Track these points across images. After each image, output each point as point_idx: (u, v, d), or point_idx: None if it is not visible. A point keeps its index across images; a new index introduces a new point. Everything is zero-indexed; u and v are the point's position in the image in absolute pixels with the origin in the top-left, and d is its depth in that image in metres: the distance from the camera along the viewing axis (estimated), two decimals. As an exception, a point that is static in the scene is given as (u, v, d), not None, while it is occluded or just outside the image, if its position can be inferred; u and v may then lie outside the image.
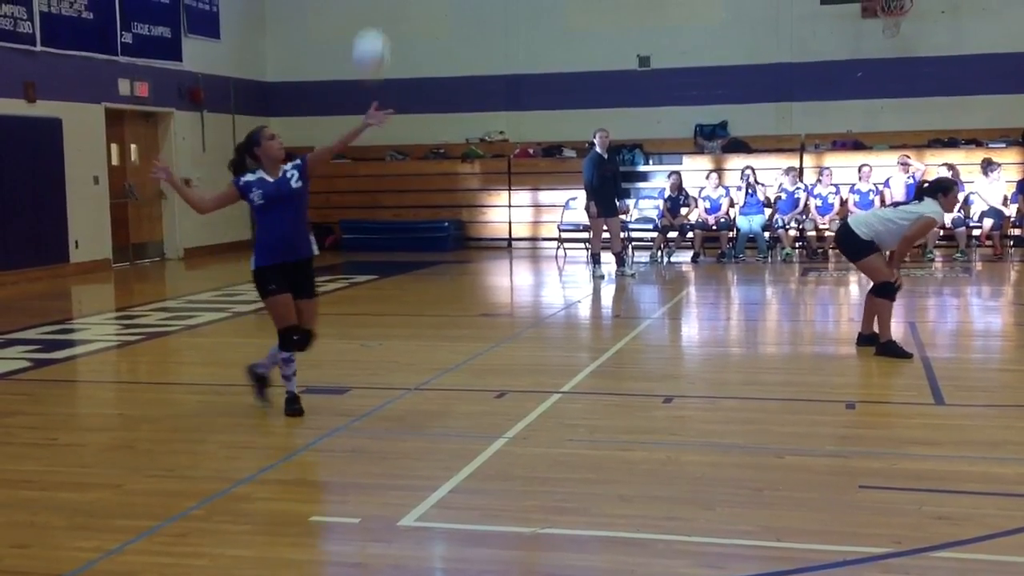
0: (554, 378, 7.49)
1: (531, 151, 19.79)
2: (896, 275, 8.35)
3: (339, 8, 20.04)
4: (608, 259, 14.64)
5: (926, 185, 8.52)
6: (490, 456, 5.60)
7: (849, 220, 8.76)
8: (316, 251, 7.46)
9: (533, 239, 19.48)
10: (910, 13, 17.54)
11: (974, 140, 17.90)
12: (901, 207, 8.56)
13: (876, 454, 5.55)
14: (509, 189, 19.59)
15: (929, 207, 8.17)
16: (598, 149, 14.50)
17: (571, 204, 18.17)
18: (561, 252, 17.70)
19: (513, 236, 19.60)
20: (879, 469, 5.28)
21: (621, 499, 4.86)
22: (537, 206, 19.53)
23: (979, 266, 15.10)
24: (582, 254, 17.46)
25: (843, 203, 16.81)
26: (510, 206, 19.61)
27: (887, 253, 8.35)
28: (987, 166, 16.24)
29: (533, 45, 20.01)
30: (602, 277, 14.13)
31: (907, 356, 8.05)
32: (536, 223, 19.52)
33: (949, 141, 18.08)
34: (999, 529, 4.33)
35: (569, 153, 19.51)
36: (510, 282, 15.83)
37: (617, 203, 14.81)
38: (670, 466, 5.40)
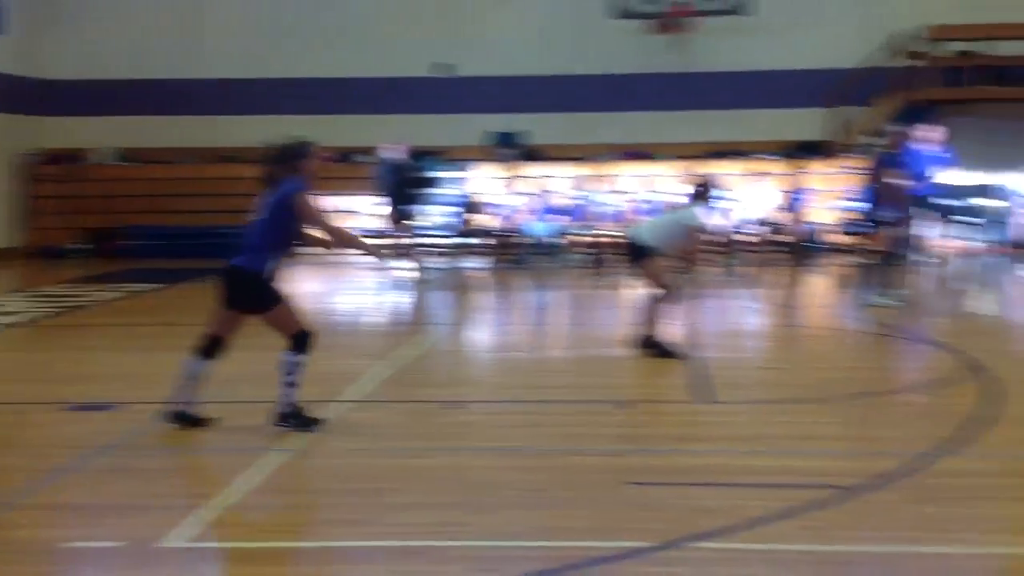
0: (339, 387, 7.46)
1: (329, 156, 19.62)
2: (681, 284, 8.75)
3: (133, 6, 19.43)
4: (403, 265, 14.71)
5: (694, 191, 8.93)
6: (267, 470, 5.53)
7: (634, 229, 9.14)
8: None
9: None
10: (695, 30, 18.37)
11: (749, 152, 18.90)
12: (674, 213, 8.97)
13: (646, 451, 5.84)
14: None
15: (690, 214, 8.64)
16: (396, 155, 14.54)
17: (365, 210, 18.09)
18: (357, 258, 17.62)
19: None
20: (648, 466, 5.56)
21: (401, 508, 4.93)
22: (335, 212, 19.36)
23: (751, 271, 15.93)
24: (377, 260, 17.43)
25: (630, 212, 17.43)
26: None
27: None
28: (759, 177, 17.18)
29: (336, 50, 19.90)
30: (404, 284, 14.18)
31: (679, 357, 8.45)
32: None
33: (729, 153, 19.03)
34: (756, 519, 4.63)
35: (367, 159, 19.45)
36: (301, 289, 15.62)
37: (414, 209, 14.91)
38: (452, 472, 5.52)
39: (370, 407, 7.11)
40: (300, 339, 6.16)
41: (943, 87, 18.13)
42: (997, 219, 17.69)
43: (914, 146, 15.29)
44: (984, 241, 17.94)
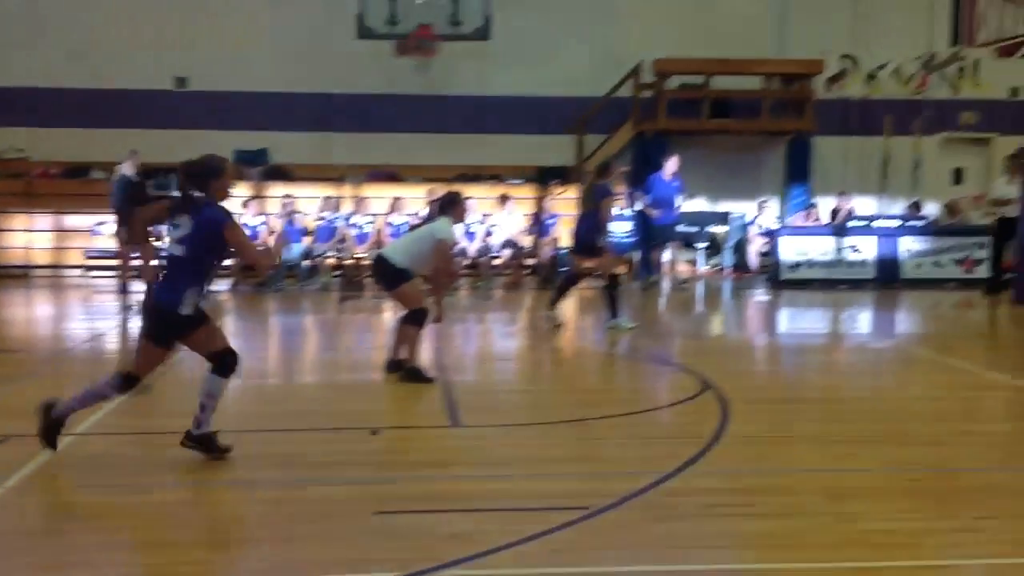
0: (71, 419, 7.02)
1: (53, 171, 18.56)
2: (437, 310, 8.69)
3: None
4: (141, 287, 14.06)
5: (440, 203, 8.91)
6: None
7: (383, 251, 9.04)
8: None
9: (55, 266, 18.26)
10: (440, 54, 18.57)
11: (496, 176, 19.30)
12: (419, 229, 8.92)
13: (395, 479, 5.79)
14: (28, 212, 18.23)
15: (439, 226, 8.62)
16: (127, 172, 13.89)
17: (98, 229, 17.27)
18: (88, 281, 16.74)
19: (32, 263, 18.24)
20: (396, 493, 5.50)
21: (132, 546, 4.67)
22: (61, 230, 18.34)
23: (499, 293, 16.25)
24: (110, 282, 16.65)
25: (378, 233, 17.40)
26: (28, 230, 18.24)
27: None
28: (504, 200, 17.55)
29: (68, 60, 18.87)
30: (129, 307, 13.52)
31: (429, 380, 8.47)
32: (60, 249, 18.33)
33: (475, 176, 19.35)
34: (499, 544, 4.66)
35: (98, 175, 18.54)
36: (26, 314, 14.68)
37: (151, 229, 14.25)
38: (191, 507, 5.29)
39: (102, 440, 6.71)
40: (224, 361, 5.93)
41: (673, 118, 19.14)
42: (726, 245, 18.83)
43: (657, 175, 16.22)
44: (715, 266, 19.06)
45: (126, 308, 13.53)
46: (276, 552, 4.63)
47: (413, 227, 9.05)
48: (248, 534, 4.85)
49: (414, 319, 8.59)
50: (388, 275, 8.63)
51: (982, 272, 16.99)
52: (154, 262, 13.81)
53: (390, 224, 17.40)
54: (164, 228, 6.04)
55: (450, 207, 8.77)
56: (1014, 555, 4.65)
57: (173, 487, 5.63)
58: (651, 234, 16.80)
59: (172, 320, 5.86)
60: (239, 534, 4.85)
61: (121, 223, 13.75)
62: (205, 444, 6.04)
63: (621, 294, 11.84)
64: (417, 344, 8.68)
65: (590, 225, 11.58)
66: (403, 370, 8.55)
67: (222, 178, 6.04)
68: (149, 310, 6.06)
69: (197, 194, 5.99)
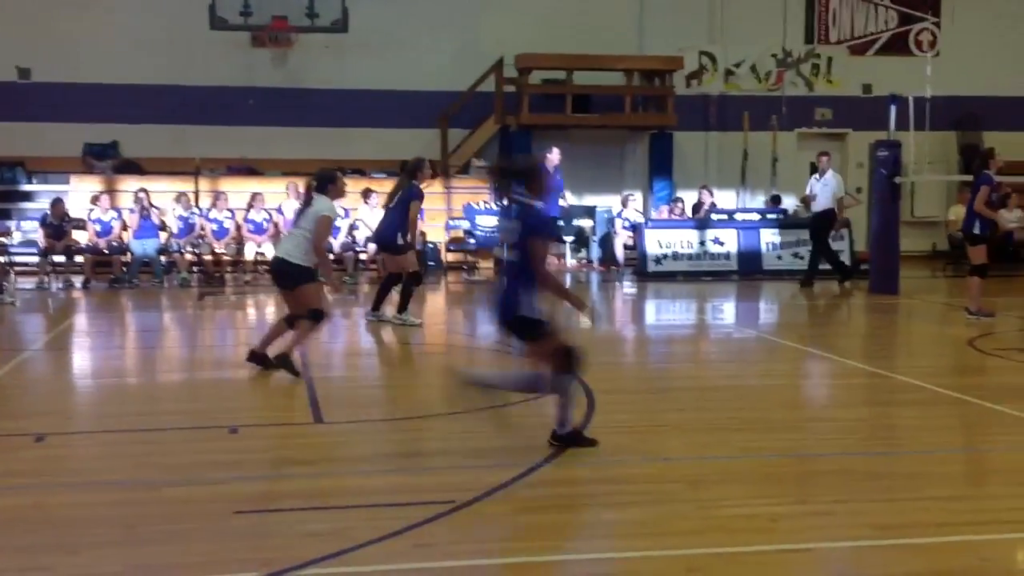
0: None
1: None
2: (337, 285, 8.79)
3: None
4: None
5: (313, 184, 8.72)
6: None
7: (279, 252, 8.78)
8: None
9: None
10: (296, 46, 18.23)
11: (359, 170, 19.03)
12: (301, 218, 8.68)
13: (255, 478, 5.63)
14: None
15: (319, 204, 8.48)
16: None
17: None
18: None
19: None
20: (257, 492, 5.35)
21: (-28, 553, 4.42)
22: None
23: (365, 288, 16.04)
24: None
25: (238, 228, 17.00)
26: None
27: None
28: (368, 195, 17.33)
29: None
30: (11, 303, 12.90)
31: (296, 375, 8.30)
32: None
33: (337, 170, 19.00)
34: (362, 540, 4.57)
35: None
36: None
37: None
38: (34, 511, 5.02)
39: (-60, 444, 6.35)
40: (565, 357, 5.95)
41: (536, 113, 19.22)
42: (593, 239, 19.01)
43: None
44: (582, 259, 19.23)
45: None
46: (131, 554, 4.44)
47: (297, 214, 8.80)
48: (101, 537, 4.64)
49: (316, 317, 8.46)
50: (289, 276, 8.46)
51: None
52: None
53: (250, 222, 17.02)
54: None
55: (328, 184, 8.64)
56: (870, 537, 4.77)
57: (18, 489, 5.36)
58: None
59: (530, 324, 5.91)
60: (91, 537, 4.63)
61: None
62: (575, 440, 6.05)
63: (414, 292, 11.62)
64: (305, 341, 8.55)
65: (393, 223, 11.35)
66: (277, 357, 8.39)
67: (539, 177, 6.05)
68: (507, 322, 6.03)
69: (520, 195, 5.92)
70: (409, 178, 11.43)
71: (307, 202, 8.61)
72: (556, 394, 6.05)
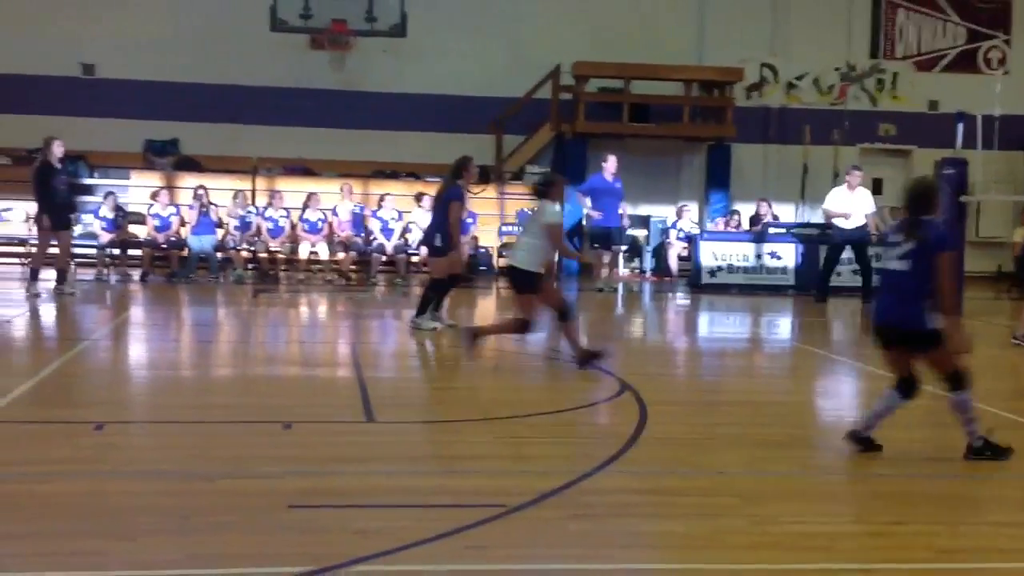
0: (-31, 407, 6.76)
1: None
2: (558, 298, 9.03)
3: None
4: (48, 275, 13.61)
5: (537, 188, 9.08)
6: None
7: (512, 261, 9.05)
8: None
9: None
10: (354, 49, 18.35)
11: (412, 173, 19.12)
12: (528, 224, 9.02)
13: (307, 473, 5.63)
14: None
15: (546, 210, 8.76)
16: (51, 158, 13.39)
17: (3, 215, 16.75)
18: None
19: (-67, 249, 17.62)
20: (309, 488, 5.35)
21: (32, 535, 4.45)
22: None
23: (416, 290, 16.07)
24: (15, 269, 16.14)
25: (293, 227, 17.14)
26: (-75, 217, 17.60)
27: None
28: (421, 198, 17.36)
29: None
30: (38, 295, 13.08)
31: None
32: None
33: (391, 172, 19.18)
34: (409, 541, 4.54)
35: (3, 160, 17.98)
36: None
37: (71, 216, 13.87)
38: (92, 497, 5.06)
39: (3, 428, 6.43)
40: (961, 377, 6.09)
41: (592, 121, 19.17)
42: (646, 249, 18.93)
43: (598, 176, 16.05)
44: (635, 269, 19.14)
45: (34, 295, 13.03)
46: (186, 543, 4.46)
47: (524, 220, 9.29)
48: (156, 525, 4.66)
49: (521, 328, 8.86)
50: (521, 282, 8.81)
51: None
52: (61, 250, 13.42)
53: (305, 221, 17.13)
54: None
55: (550, 189, 8.90)
56: (931, 560, 4.66)
57: (77, 476, 5.41)
58: (592, 237, 16.48)
59: (930, 337, 6.00)
60: (147, 525, 4.66)
61: (42, 210, 13.24)
62: (995, 452, 6.18)
63: (444, 297, 11.42)
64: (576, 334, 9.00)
65: (434, 224, 11.31)
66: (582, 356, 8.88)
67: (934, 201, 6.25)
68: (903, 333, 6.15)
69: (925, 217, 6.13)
70: (453, 178, 11.17)
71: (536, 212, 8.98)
72: (958, 412, 6.15)
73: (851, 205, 15.63)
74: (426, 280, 11.80)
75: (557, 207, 8.90)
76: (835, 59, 20.94)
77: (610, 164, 16.01)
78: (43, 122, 17.61)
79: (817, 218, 19.94)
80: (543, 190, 8.98)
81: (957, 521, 5.21)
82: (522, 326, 8.86)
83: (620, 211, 16.38)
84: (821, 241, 17.02)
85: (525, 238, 9.05)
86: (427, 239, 11.57)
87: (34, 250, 14.37)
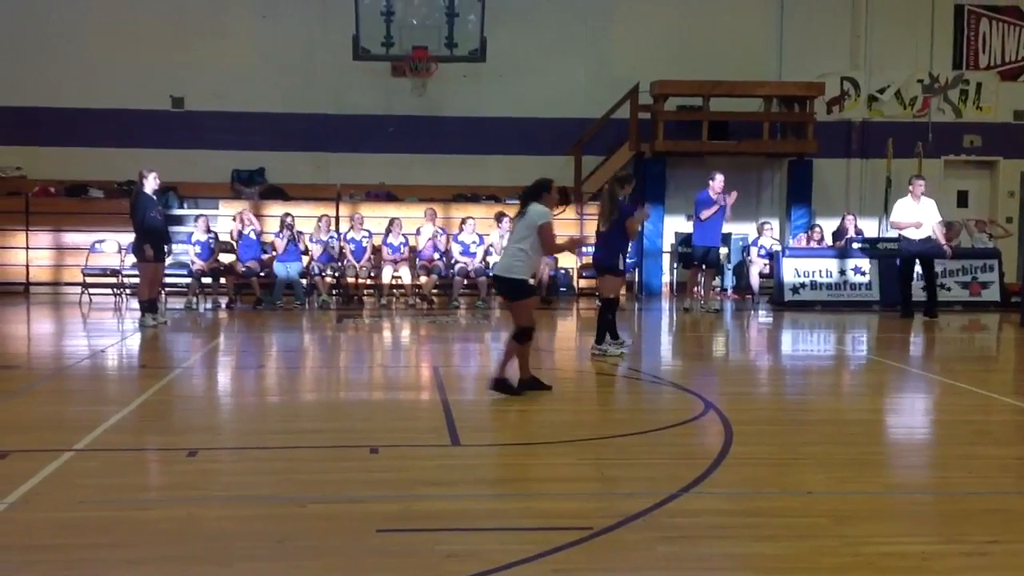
0: (68, 435, 6.98)
1: (52, 189, 18.53)
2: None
3: None
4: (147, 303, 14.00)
5: (525, 192, 8.91)
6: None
7: (496, 271, 9.03)
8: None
9: (55, 283, 18.21)
10: (435, 75, 18.58)
11: (493, 196, 19.25)
12: (515, 231, 8.84)
13: (395, 497, 5.70)
14: (27, 229, 18.17)
15: (537, 212, 8.62)
16: (147, 190, 13.79)
17: (97, 247, 17.25)
18: (86, 298, 16.69)
19: (31, 280, 18.19)
20: (397, 512, 5.42)
21: (131, 562, 4.60)
22: (59, 248, 18.29)
23: (497, 313, 16.17)
24: (108, 299, 16.61)
25: (376, 251, 17.38)
26: (27, 248, 18.18)
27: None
28: (501, 220, 17.46)
29: (49, 76, 18.87)
30: (155, 325, 13.43)
31: (547, 388, 8.75)
32: (58, 267, 18.27)
33: (472, 196, 19.33)
34: (501, 563, 4.59)
35: (96, 193, 18.53)
36: (27, 330, 14.61)
37: (165, 247, 14.25)
38: (188, 523, 5.20)
39: (99, 456, 6.63)
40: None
41: (671, 140, 19.10)
42: (728, 266, 18.78)
43: (705, 193, 15.91)
44: (718, 288, 19.00)
45: (150, 326, 13.36)
46: (277, 569, 4.56)
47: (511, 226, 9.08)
48: (248, 551, 4.77)
49: (521, 337, 8.66)
50: (510, 290, 8.72)
51: (990, 295, 17.04)
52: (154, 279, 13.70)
53: (388, 245, 17.36)
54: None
55: (541, 192, 8.78)
56: (1025, 579, 4.57)
57: (172, 503, 5.56)
58: (692, 256, 16.32)
59: None
60: (239, 550, 4.77)
61: (142, 239, 13.63)
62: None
63: (613, 318, 11.40)
64: (525, 359, 8.79)
65: (611, 246, 11.27)
66: (519, 383, 8.70)
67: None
68: None
69: None
70: (621, 191, 11.19)
71: (521, 210, 8.79)
72: None
73: (917, 215, 15.38)
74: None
75: (546, 209, 8.66)
76: (917, 71, 20.60)
77: (716, 183, 15.80)
78: (134, 155, 18.18)
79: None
80: (533, 193, 8.77)
81: (1055, 541, 5.08)
82: (523, 334, 8.65)
83: (719, 231, 16.09)
84: (893, 255, 16.72)
85: (512, 245, 8.86)
86: (604, 260, 11.40)
87: (137, 282, 14.72)
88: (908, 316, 15.44)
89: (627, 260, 11.28)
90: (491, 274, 9.02)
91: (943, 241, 15.64)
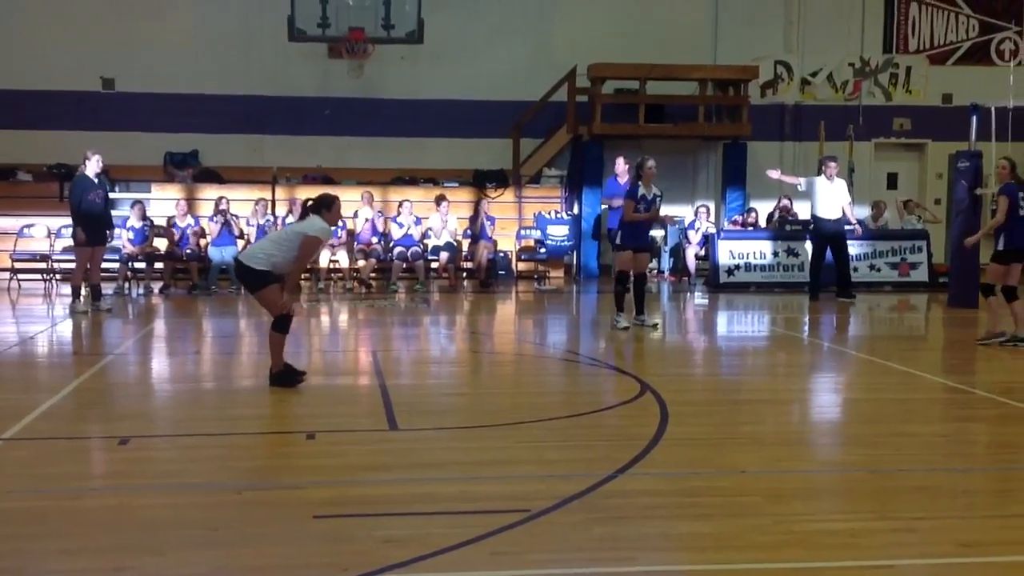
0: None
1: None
2: (289, 303, 8.38)
3: None
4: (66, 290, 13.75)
5: (310, 203, 8.58)
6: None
7: (240, 255, 8.77)
8: None
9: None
10: (373, 57, 18.44)
11: (431, 179, 19.20)
12: (286, 228, 8.62)
13: (332, 483, 5.68)
14: (-47, 214, 17.74)
15: (312, 224, 8.36)
16: (89, 172, 13.50)
17: (26, 231, 16.91)
18: (15, 284, 16.36)
19: (-43, 266, 17.76)
20: (334, 497, 5.40)
21: (64, 552, 4.53)
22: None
23: (436, 297, 16.16)
24: (38, 285, 16.30)
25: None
26: (-47, 233, 17.76)
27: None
28: (440, 203, 17.44)
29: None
30: (85, 312, 13.17)
31: (300, 376, 8.42)
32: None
33: (410, 179, 19.25)
34: (439, 547, 4.60)
35: (24, 176, 18.14)
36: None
37: (108, 232, 13.96)
38: (122, 512, 5.13)
39: (28, 444, 6.51)
40: None
41: (609, 123, 19.18)
42: (664, 249, 18.91)
43: (613, 179, 16.02)
44: (652, 270, 19.12)
45: (80, 313, 13.11)
46: (215, 556, 4.52)
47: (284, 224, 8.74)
48: (185, 539, 4.73)
49: (279, 326, 8.37)
50: (250, 279, 8.42)
51: (918, 276, 17.40)
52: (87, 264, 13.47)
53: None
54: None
55: (326, 208, 8.43)
56: (954, 555, 4.68)
57: (105, 492, 5.48)
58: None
59: None
60: (176, 539, 4.72)
61: (77, 223, 13.35)
62: None
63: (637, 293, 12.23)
64: (281, 348, 8.47)
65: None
66: (271, 376, 8.38)
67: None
68: None
69: None
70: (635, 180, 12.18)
71: (302, 216, 8.55)
72: None
73: (830, 196, 15.63)
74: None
75: (326, 226, 8.37)
76: (849, 55, 20.90)
77: (619, 165, 16.01)
78: (64, 137, 17.84)
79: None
80: (315, 207, 8.44)
81: (978, 515, 5.22)
82: (280, 323, 8.41)
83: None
84: (804, 237, 16.99)
85: (268, 240, 8.69)
86: (611, 237, 12.45)
87: (71, 267, 14.44)
88: (815, 299, 15.61)
89: (643, 237, 12.43)
90: (234, 257, 8.65)
91: (853, 221, 15.99)
